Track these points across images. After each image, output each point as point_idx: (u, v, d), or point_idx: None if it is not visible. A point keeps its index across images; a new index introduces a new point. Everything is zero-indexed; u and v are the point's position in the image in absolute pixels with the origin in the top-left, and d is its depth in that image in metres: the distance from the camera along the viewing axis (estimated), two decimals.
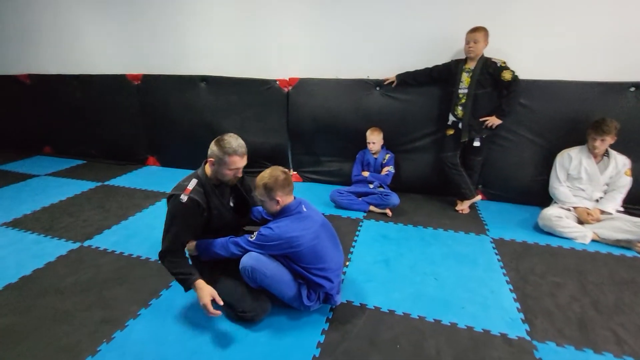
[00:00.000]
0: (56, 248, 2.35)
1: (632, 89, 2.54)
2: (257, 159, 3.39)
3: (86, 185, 3.49)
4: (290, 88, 3.25)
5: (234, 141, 1.60)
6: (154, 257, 2.23)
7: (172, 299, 1.85)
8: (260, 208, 1.89)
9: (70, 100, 4.11)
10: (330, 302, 1.74)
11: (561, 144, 2.68)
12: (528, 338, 1.60)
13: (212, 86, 3.50)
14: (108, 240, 2.45)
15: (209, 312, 1.49)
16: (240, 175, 1.68)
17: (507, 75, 2.48)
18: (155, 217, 2.81)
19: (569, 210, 2.56)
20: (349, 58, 3.08)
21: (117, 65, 3.82)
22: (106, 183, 3.57)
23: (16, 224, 2.70)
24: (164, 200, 3.10)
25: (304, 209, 1.65)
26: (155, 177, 3.71)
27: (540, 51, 2.64)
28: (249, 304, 1.63)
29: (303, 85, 3.22)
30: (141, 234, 2.52)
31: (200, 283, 1.56)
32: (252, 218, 1.92)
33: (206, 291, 1.53)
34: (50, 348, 1.54)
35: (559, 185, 2.63)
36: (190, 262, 1.74)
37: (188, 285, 1.57)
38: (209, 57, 3.48)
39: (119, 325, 1.66)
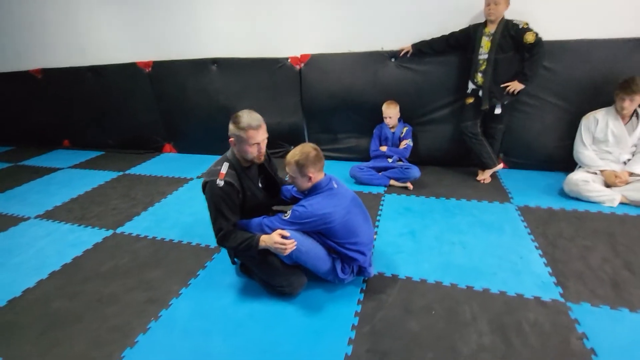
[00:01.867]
0: (91, 236, 2.44)
1: None
2: (274, 140, 3.40)
3: (109, 175, 3.57)
4: (302, 65, 3.20)
5: (247, 115, 1.59)
6: (187, 239, 2.30)
7: (210, 277, 1.92)
8: (289, 187, 1.92)
9: (84, 92, 4.14)
10: (364, 274, 1.78)
11: (586, 107, 2.60)
12: (562, 300, 1.62)
13: (224, 68, 3.47)
14: (139, 226, 2.53)
15: (285, 245, 1.52)
16: (263, 150, 1.68)
17: (530, 37, 2.39)
18: (181, 201, 2.88)
19: (595, 174, 2.52)
20: (362, 30, 3.00)
21: (127, 53, 3.80)
22: (127, 172, 3.64)
23: (49, 215, 2.80)
24: (187, 186, 3.17)
25: (335, 185, 1.66)
26: (174, 164, 3.77)
27: (564, 9, 2.53)
28: (286, 278, 1.68)
29: (315, 61, 3.16)
30: (170, 219, 2.59)
31: (263, 236, 1.59)
32: (281, 198, 1.94)
33: (270, 236, 1.56)
34: (103, 328, 1.63)
35: (584, 149, 2.58)
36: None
37: (256, 244, 1.58)
38: (218, 38, 3.44)
39: (163, 305, 1.74)
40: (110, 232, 2.49)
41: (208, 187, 1.61)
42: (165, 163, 3.84)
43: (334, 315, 1.62)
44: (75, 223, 2.64)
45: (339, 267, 1.69)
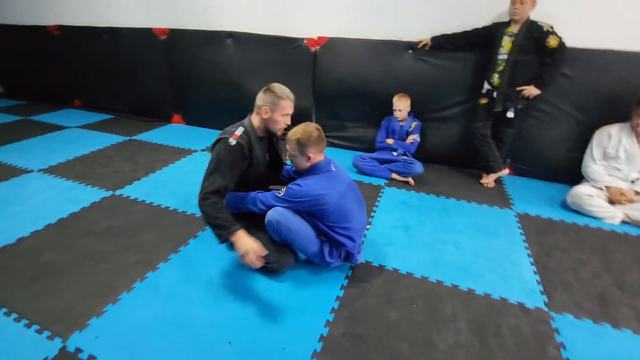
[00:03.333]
0: (90, 195, 2.48)
1: None
2: None
3: (115, 139, 3.60)
4: (317, 48, 3.15)
5: (284, 87, 1.68)
6: (182, 208, 2.32)
7: (199, 247, 1.95)
8: (287, 167, 1.91)
9: (99, 54, 4.15)
10: (351, 261, 1.79)
11: (602, 120, 2.52)
12: (545, 309, 1.61)
13: (238, 43, 3.43)
14: (138, 190, 2.55)
15: (251, 260, 1.44)
16: (289, 123, 1.72)
17: (553, 42, 2.31)
18: (182, 172, 2.90)
19: (601, 189, 2.46)
20: (383, 17, 2.93)
21: (144, 17, 3.78)
22: (134, 137, 3.66)
23: (52, 170, 2.84)
24: (190, 157, 3.18)
25: (333, 168, 1.66)
26: (180, 134, 3.78)
27: (593, 16, 2.43)
28: (274, 256, 1.69)
29: (331, 45, 3.11)
30: (169, 187, 2.62)
31: (243, 232, 1.49)
32: (280, 177, 1.95)
33: (249, 241, 1.46)
34: (91, 282, 1.67)
35: (593, 164, 2.52)
36: None
37: (227, 233, 1.47)
38: (236, 11, 3.39)
39: (151, 267, 1.77)
40: (110, 193, 2.52)
41: (218, 144, 1.62)
42: (172, 133, 3.85)
43: (315, 296, 1.63)
44: (76, 181, 2.68)
45: (326, 250, 1.69)
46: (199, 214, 2.24)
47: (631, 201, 2.36)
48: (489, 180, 2.82)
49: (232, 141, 1.60)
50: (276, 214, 1.61)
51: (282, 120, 1.67)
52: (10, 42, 4.67)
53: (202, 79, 3.73)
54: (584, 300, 1.67)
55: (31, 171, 2.82)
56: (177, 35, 3.66)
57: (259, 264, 1.48)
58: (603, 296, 1.70)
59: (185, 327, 1.45)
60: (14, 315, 1.48)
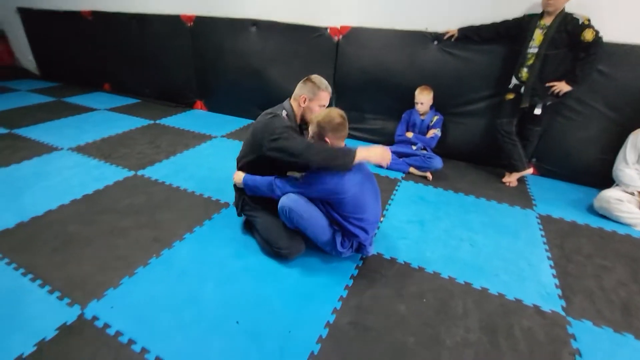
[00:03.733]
0: (114, 174, 2.57)
1: None
2: None
3: (140, 122, 3.71)
4: (340, 37, 3.12)
5: (323, 79, 1.76)
6: (199, 191, 2.37)
7: (214, 228, 1.99)
8: None
9: (128, 39, 4.27)
10: (363, 252, 1.77)
11: (638, 121, 2.38)
12: (563, 313, 1.55)
13: (262, 31, 3.44)
14: (159, 172, 2.63)
15: (384, 157, 1.57)
16: None
17: (588, 35, 2.18)
18: (201, 156, 2.96)
19: (632, 194, 2.33)
20: (408, 7, 2.85)
21: (172, 4, 3.84)
22: (158, 121, 3.76)
23: (80, 149, 2.97)
24: (210, 142, 3.25)
25: None
26: (202, 121, 3.85)
27: (631, 9, 2.27)
28: (285, 241, 1.70)
29: (355, 34, 3.07)
30: (188, 170, 2.68)
31: (360, 148, 1.56)
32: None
33: (373, 149, 1.58)
34: (110, 255, 1.74)
35: (625, 167, 2.37)
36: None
37: (353, 156, 1.52)
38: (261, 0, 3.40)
39: (166, 244, 1.83)
40: (132, 173, 2.60)
41: (273, 119, 1.64)
42: (194, 119, 3.93)
43: (324, 284, 1.63)
44: (101, 160, 2.79)
45: (338, 240, 1.68)
46: (215, 197, 2.30)
47: None
48: (511, 179, 2.72)
49: (285, 117, 1.71)
50: (289, 201, 1.61)
51: (318, 110, 1.73)
52: (47, 27, 4.88)
53: (226, 66, 3.78)
54: (606, 308, 1.59)
55: (61, 149, 2.95)
56: (203, 23, 3.71)
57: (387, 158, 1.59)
58: (627, 305, 1.61)
59: (196, 304, 1.48)
60: (38, 282, 1.57)
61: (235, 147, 3.13)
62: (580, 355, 1.36)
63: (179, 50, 3.98)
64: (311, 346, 1.32)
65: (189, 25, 3.79)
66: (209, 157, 2.95)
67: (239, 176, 1.79)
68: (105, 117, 3.83)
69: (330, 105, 3.33)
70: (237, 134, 3.44)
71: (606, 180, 2.50)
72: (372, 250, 1.79)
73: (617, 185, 2.42)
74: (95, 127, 3.48)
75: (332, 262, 1.77)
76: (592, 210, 2.39)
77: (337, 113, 1.59)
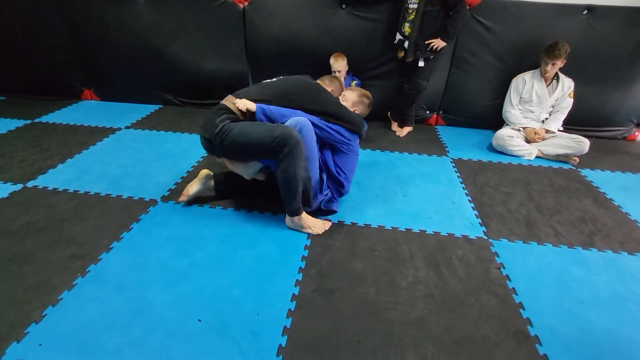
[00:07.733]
0: None
1: (585, 12, 2.64)
2: (214, 89, 3.13)
3: (13, 124, 3.01)
4: (246, 4, 2.91)
5: None
6: (116, 193, 2.08)
7: (146, 231, 1.78)
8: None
9: None
10: (330, 205, 1.92)
11: (517, 68, 2.80)
12: (485, 237, 1.82)
13: (153, 2, 3.01)
14: (56, 179, 2.21)
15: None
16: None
17: None
18: (107, 153, 2.56)
19: (519, 130, 2.78)
20: None
21: None
22: (37, 120, 3.10)
23: None
24: (113, 137, 2.83)
25: None
26: (96, 112, 3.29)
27: None
28: (277, 128, 1.59)
29: (261, 1, 2.89)
30: (95, 171, 2.31)
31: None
32: None
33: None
34: (17, 289, 1.43)
35: (511, 108, 2.81)
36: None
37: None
38: None
39: (91, 260, 1.58)
40: (20, 186, 2.14)
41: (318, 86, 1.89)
42: (86, 111, 3.34)
43: (281, 261, 1.62)
44: None
45: (324, 183, 1.86)
46: (136, 196, 2.05)
47: (543, 139, 2.72)
48: (403, 132, 3.01)
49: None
50: (304, 120, 1.65)
51: None
52: None
53: (116, 45, 3.23)
54: (514, 226, 1.92)
55: None
56: None
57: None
58: (528, 220, 1.98)
59: (145, 314, 1.34)
60: None
61: (151, 137, 2.79)
62: (504, 267, 1.63)
63: (48, 30, 3.24)
64: (283, 321, 1.32)
65: None
66: (117, 152, 2.57)
67: (250, 103, 1.70)
68: None
69: (246, 77, 3.21)
70: (147, 123, 3.04)
71: (499, 122, 2.93)
72: (337, 208, 1.94)
73: (506, 125, 2.87)
74: None
75: (282, 239, 1.76)
76: (491, 148, 2.80)
77: (370, 99, 2.07)
